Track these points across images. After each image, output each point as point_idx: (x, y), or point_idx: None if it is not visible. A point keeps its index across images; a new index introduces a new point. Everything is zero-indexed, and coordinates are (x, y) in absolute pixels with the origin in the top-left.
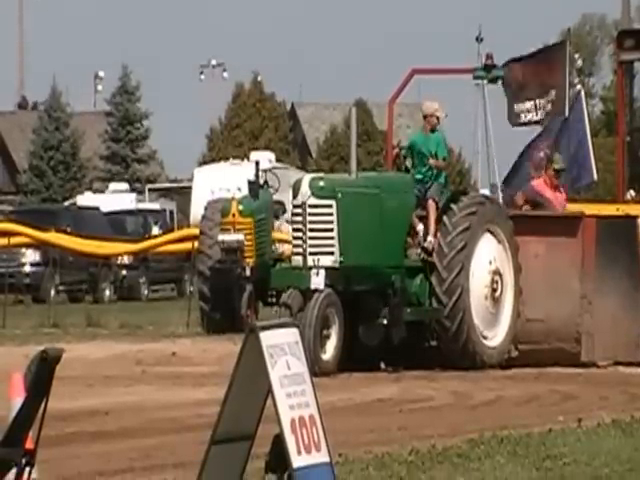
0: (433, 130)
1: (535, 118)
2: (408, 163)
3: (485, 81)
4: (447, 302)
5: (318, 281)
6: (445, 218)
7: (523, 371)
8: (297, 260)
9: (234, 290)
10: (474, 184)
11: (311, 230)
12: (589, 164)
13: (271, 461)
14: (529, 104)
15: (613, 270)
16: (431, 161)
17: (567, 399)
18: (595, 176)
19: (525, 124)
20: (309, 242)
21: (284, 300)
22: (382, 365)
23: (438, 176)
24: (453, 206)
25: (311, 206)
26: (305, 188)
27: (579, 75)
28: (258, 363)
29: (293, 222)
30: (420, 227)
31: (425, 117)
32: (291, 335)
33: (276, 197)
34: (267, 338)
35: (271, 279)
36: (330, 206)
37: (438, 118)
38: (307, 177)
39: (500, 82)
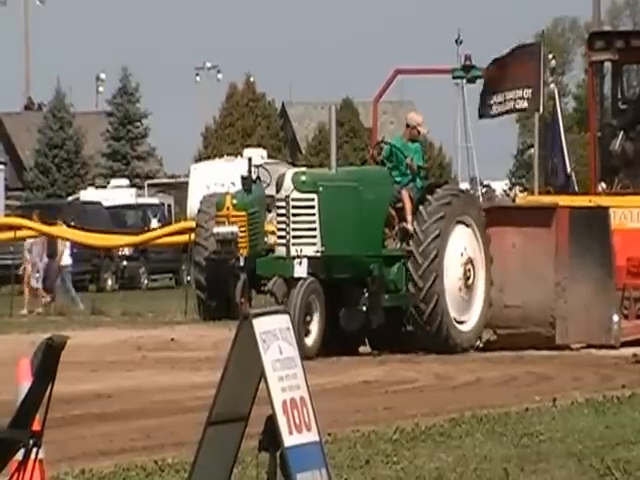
0: (413, 140)
1: (504, 109)
2: (387, 163)
3: (464, 81)
4: (423, 286)
5: (301, 270)
6: (421, 207)
7: (501, 354)
8: (281, 250)
9: (229, 279)
10: (454, 177)
11: (294, 222)
12: (563, 158)
13: (264, 440)
14: (500, 96)
15: (586, 258)
16: (407, 160)
17: (543, 380)
18: (569, 169)
19: (494, 116)
20: (292, 233)
21: (269, 287)
22: (367, 346)
23: (414, 181)
24: (429, 197)
25: (294, 199)
26: (288, 182)
27: (552, 74)
28: (251, 348)
29: (277, 215)
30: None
31: (407, 126)
32: (283, 321)
33: (268, 191)
34: (260, 324)
35: (257, 268)
36: (312, 199)
37: (419, 131)
38: (290, 172)
39: (478, 81)
